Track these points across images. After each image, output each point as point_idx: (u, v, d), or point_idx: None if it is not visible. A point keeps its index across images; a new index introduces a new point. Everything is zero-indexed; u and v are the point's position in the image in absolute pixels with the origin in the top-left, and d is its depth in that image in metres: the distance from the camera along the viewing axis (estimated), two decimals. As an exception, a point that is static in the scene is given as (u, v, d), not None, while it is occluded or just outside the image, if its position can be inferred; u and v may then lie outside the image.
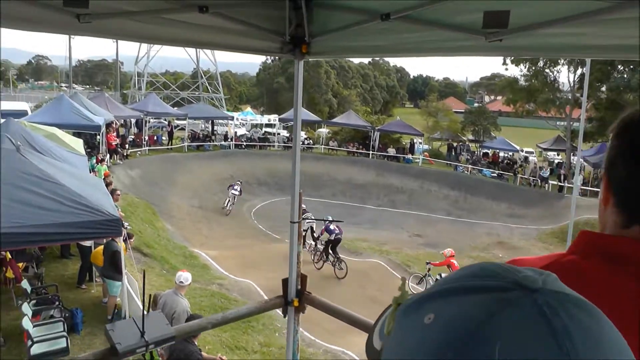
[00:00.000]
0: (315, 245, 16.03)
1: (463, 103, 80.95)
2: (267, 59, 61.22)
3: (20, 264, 9.96)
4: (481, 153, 33.74)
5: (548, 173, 28.74)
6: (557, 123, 36.35)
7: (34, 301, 8.48)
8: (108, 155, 20.67)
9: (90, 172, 13.22)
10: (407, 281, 0.63)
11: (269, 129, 38.91)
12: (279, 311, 4.05)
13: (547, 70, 31.98)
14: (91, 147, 19.06)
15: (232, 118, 35.82)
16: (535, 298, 0.46)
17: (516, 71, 36.31)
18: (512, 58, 30.73)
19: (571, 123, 31.69)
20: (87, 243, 10.09)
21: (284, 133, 37.48)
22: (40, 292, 9.11)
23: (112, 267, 8.87)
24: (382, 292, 14.01)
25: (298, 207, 3.73)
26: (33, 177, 6.49)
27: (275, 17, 3.05)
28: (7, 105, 25.45)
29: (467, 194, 27.81)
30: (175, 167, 25.50)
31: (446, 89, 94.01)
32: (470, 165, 30.87)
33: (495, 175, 29.82)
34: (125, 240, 8.23)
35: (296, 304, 3.79)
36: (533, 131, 48.32)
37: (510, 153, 33.52)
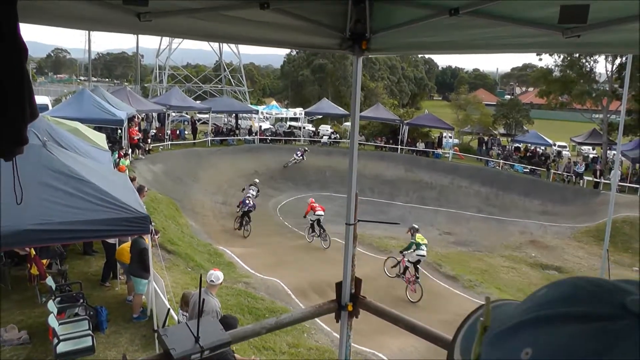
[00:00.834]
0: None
1: (493, 95, 79.36)
2: (291, 51, 60.70)
3: (44, 261, 9.98)
4: (513, 147, 32.63)
5: (583, 168, 27.58)
6: (593, 116, 35.01)
7: (58, 299, 8.43)
8: (130, 150, 20.46)
9: (114, 167, 13.14)
10: (489, 301, 0.54)
11: (293, 123, 38.40)
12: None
13: (583, 60, 30.87)
14: (113, 142, 18.94)
15: (257, 112, 35.23)
16: None
17: (550, 61, 34.95)
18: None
19: (608, 115, 30.46)
20: (112, 240, 9.93)
21: (310, 127, 36.94)
22: (64, 290, 9.09)
23: (140, 265, 8.73)
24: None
25: (354, 208, 3.62)
26: (59, 173, 6.58)
27: (335, 13, 3.04)
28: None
29: (498, 190, 27.01)
30: (198, 162, 25.27)
31: (476, 81, 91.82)
32: (501, 161, 29.86)
33: (528, 170, 28.80)
34: (151, 237, 7.98)
35: (350, 308, 3.72)
36: (564, 124, 46.92)
37: (543, 147, 32.40)
